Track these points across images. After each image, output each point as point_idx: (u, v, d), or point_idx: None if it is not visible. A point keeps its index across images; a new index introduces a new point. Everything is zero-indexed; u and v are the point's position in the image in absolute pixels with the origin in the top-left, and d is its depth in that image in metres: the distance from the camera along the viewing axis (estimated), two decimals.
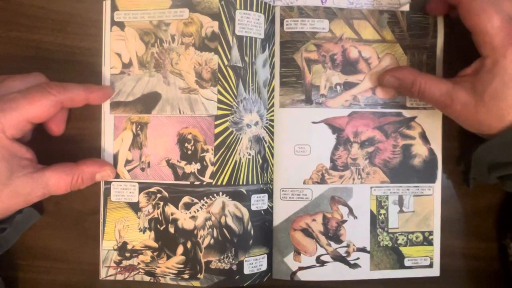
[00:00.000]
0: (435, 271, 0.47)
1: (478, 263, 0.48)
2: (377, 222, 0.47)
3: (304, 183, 0.46)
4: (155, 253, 0.45)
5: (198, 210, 0.45)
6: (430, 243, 0.47)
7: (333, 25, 0.46)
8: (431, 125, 0.47)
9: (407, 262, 0.47)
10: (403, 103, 0.47)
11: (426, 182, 0.47)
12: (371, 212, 0.47)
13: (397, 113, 0.47)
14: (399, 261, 0.47)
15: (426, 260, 0.47)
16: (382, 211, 0.47)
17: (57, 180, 0.40)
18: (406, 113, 0.47)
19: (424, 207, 0.47)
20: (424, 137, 0.47)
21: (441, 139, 0.47)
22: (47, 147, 0.42)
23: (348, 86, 0.47)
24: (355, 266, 0.46)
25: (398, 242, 0.47)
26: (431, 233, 0.47)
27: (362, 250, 0.47)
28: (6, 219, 0.41)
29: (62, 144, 0.46)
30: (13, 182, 0.38)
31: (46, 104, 0.39)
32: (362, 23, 0.47)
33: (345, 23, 0.46)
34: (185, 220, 0.45)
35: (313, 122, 0.46)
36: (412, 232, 0.47)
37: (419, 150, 0.47)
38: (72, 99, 0.41)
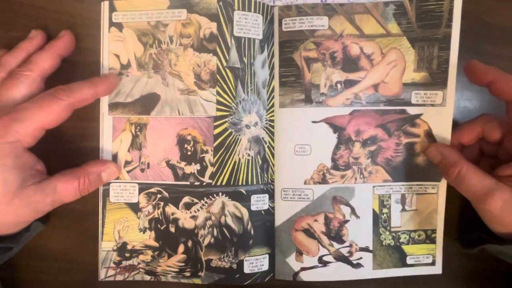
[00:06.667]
0: (437, 269, 0.47)
1: (481, 262, 0.48)
2: (379, 221, 0.46)
3: (305, 183, 0.46)
4: (156, 253, 0.45)
5: (198, 210, 0.45)
6: (432, 241, 0.47)
7: (333, 22, 0.45)
8: (439, 122, 0.45)
9: (409, 260, 0.47)
10: (408, 100, 0.45)
11: (431, 180, 0.46)
12: (374, 211, 0.46)
13: (401, 110, 0.45)
14: (401, 260, 0.47)
15: (428, 258, 0.47)
16: (385, 210, 0.46)
17: (65, 185, 0.41)
18: (411, 110, 0.45)
19: (427, 205, 0.46)
20: (430, 135, 0.45)
21: (450, 137, 0.45)
22: (46, 147, 0.42)
23: (349, 84, 0.45)
24: (358, 265, 0.46)
25: (401, 240, 0.46)
26: (433, 231, 0.47)
27: (365, 249, 0.46)
28: (13, 236, 0.41)
29: (61, 144, 0.46)
30: (24, 191, 0.38)
31: (57, 110, 0.40)
32: (365, 18, 0.45)
33: (346, 19, 0.45)
34: (185, 219, 0.45)
35: (313, 122, 0.46)
36: (415, 231, 0.47)
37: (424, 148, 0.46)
38: (81, 99, 0.41)
